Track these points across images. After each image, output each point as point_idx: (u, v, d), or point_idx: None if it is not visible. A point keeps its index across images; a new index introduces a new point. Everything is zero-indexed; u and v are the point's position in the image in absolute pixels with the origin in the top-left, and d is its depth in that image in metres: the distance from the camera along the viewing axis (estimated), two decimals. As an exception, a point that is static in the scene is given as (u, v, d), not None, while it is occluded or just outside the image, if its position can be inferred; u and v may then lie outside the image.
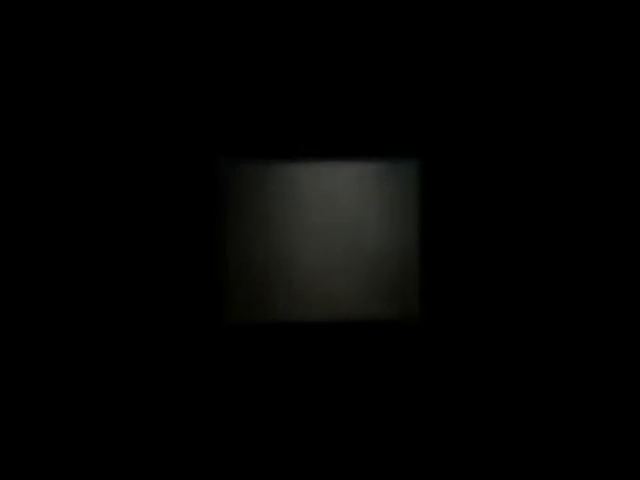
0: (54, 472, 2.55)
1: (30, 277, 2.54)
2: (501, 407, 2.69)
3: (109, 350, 2.58)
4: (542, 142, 2.67)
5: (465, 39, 2.64)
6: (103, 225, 2.56)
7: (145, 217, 2.57)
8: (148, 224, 2.57)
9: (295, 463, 2.62)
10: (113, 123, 2.55)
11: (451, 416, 2.68)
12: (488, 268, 2.68)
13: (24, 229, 2.53)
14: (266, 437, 2.63)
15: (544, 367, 2.69)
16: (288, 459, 2.63)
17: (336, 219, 2.65)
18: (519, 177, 2.67)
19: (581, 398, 2.69)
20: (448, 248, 2.67)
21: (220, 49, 2.57)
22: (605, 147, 2.68)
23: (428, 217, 2.67)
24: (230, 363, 2.63)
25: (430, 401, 2.68)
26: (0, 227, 2.52)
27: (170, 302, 2.59)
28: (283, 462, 2.62)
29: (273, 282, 2.64)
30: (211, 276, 2.60)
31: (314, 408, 2.65)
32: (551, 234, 2.68)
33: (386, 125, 2.64)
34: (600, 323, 2.69)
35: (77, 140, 2.54)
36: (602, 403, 2.69)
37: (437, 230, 2.67)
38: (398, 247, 2.67)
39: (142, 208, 2.57)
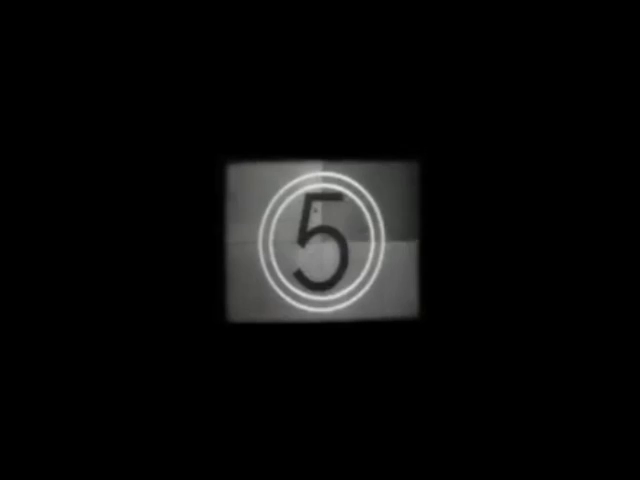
0: (55, 472, 2.55)
1: (32, 277, 2.54)
2: (502, 406, 2.68)
3: (112, 349, 2.57)
4: (542, 143, 2.68)
5: (463, 40, 2.64)
6: (105, 226, 2.55)
7: (147, 217, 2.57)
8: (151, 224, 2.57)
9: (297, 461, 2.62)
10: (116, 124, 2.55)
11: (452, 415, 2.68)
12: (488, 267, 2.68)
13: (24, 230, 2.53)
14: (268, 435, 2.62)
15: (545, 366, 2.69)
16: (290, 457, 2.62)
17: (337, 218, 2.66)
18: (519, 177, 2.68)
19: (583, 397, 2.69)
20: (448, 247, 2.67)
21: (220, 49, 2.58)
22: (605, 147, 2.68)
23: (428, 216, 2.67)
24: (233, 362, 2.62)
25: (431, 400, 2.68)
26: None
27: (172, 301, 2.59)
28: (285, 460, 2.62)
29: (274, 281, 2.64)
30: (214, 275, 2.60)
31: (316, 406, 2.64)
32: (551, 235, 2.69)
33: (386, 126, 2.64)
34: (602, 321, 2.69)
35: (81, 141, 2.54)
36: (605, 403, 2.69)
37: (437, 229, 2.67)
38: (398, 246, 2.67)
39: (144, 208, 2.57)
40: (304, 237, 2.65)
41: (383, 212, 2.67)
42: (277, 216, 2.63)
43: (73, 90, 2.53)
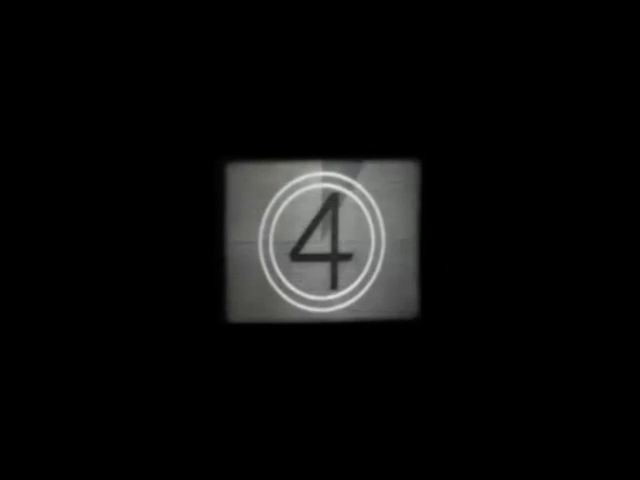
0: (54, 472, 2.56)
1: (31, 277, 2.54)
2: (502, 406, 2.69)
3: (113, 349, 2.58)
4: (544, 143, 2.67)
5: (464, 39, 2.63)
6: (105, 226, 2.56)
7: (148, 217, 2.57)
8: (151, 224, 2.57)
9: (297, 461, 2.63)
10: (114, 124, 2.55)
11: (451, 415, 2.69)
12: (488, 267, 2.68)
13: (25, 229, 2.54)
14: (268, 435, 2.63)
15: (545, 365, 2.70)
16: (291, 457, 2.63)
17: (337, 218, 2.66)
18: (519, 177, 2.67)
19: (582, 398, 2.69)
20: (448, 247, 2.67)
21: (219, 50, 2.57)
22: (605, 147, 2.67)
23: (428, 216, 2.66)
24: (233, 362, 2.63)
25: (431, 400, 2.68)
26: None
27: (173, 302, 2.59)
28: (286, 460, 2.63)
29: (274, 281, 2.64)
30: (214, 275, 2.60)
31: (316, 406, 2.65)
32: (552, 235, 2.68)
33: (386, 125, 2.64)
34: (601, 322, 2.70)
35: (80, 142, 2.54)
36: (604, 403, 2.69)
37: (437, 229, 2.67)
38: (398, 246, 2.67)
39: (144, 209, 2.57)
40: (304, 237, 2.65)
41: (383, 212, 2.67)
42: (277, 216, 2.63)
43: (73, 91, 2.52)
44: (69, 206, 2.55)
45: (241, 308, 2.63)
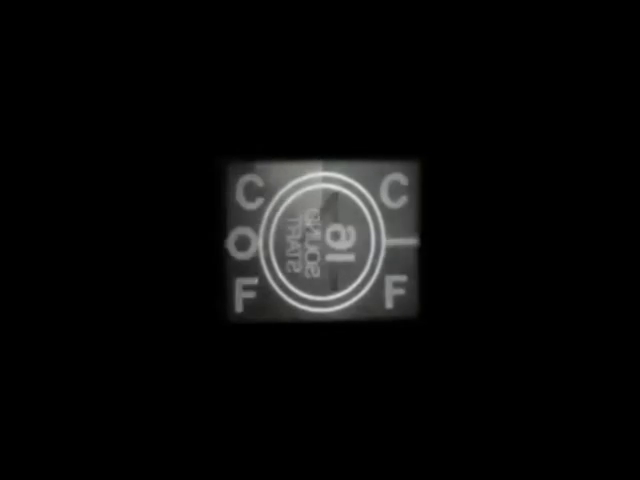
0: (55, 472, 2.55)
1: (31, 276, 2.54)
2: (502, 407, 2.69)
3: (113, 349, 2.58)
4: (546, 143, 2.68)
5: (464, 38, 2.64)
6: (104, 226, 2.55)
7: (147, 218, 2.57)
8: (150, 224, 2.57)
9: (298, 462, 2.63)
10: (113, 124, 2.55)
11: (451, 416, 2.69)
12: (489, 268, 2.68)
13: (24, 229, 2.53)
14: (269, 435, 2.63)
15: (546, 366, 2.70)
16: (291, 457, 2.63)
17: (337, 218, 2.66)
18: (520, 178, 2.68)
19: (583, 398, 2.69)
20: (448, 247, 2.68)
21: (219, 49, 2.57)
22: (605, 147, 2.68)
23: (428, 216, 2.67)
24: (234, 362, 2.62)
25: (431, 400, 2.68)
26: None
27: (173, 301, 2.59)
28: (286, 460, 2.63)
29: (275, 281, 2.64)
30: (214, 275, 2.60)
31: (316, 406, 2.65)
32: (553, 236, 2.69)
33: (386, 125, 2.64)
34: (602, 320, 2.70)
35: (78, 142, 2.54)
36: (605, 403, 2.70)
37: (437, 229, 2.67)
38: (398, 246, 2.67)
39: (144, 209, 2.57)
40: (304, 236, 2.65)
41: (383, 212, 2.67)
42: (277, 216, 2.64)
43: (71, 91, 2.52)
44: (67, 206, 2.54)
45: (241, 308, 2.63)
